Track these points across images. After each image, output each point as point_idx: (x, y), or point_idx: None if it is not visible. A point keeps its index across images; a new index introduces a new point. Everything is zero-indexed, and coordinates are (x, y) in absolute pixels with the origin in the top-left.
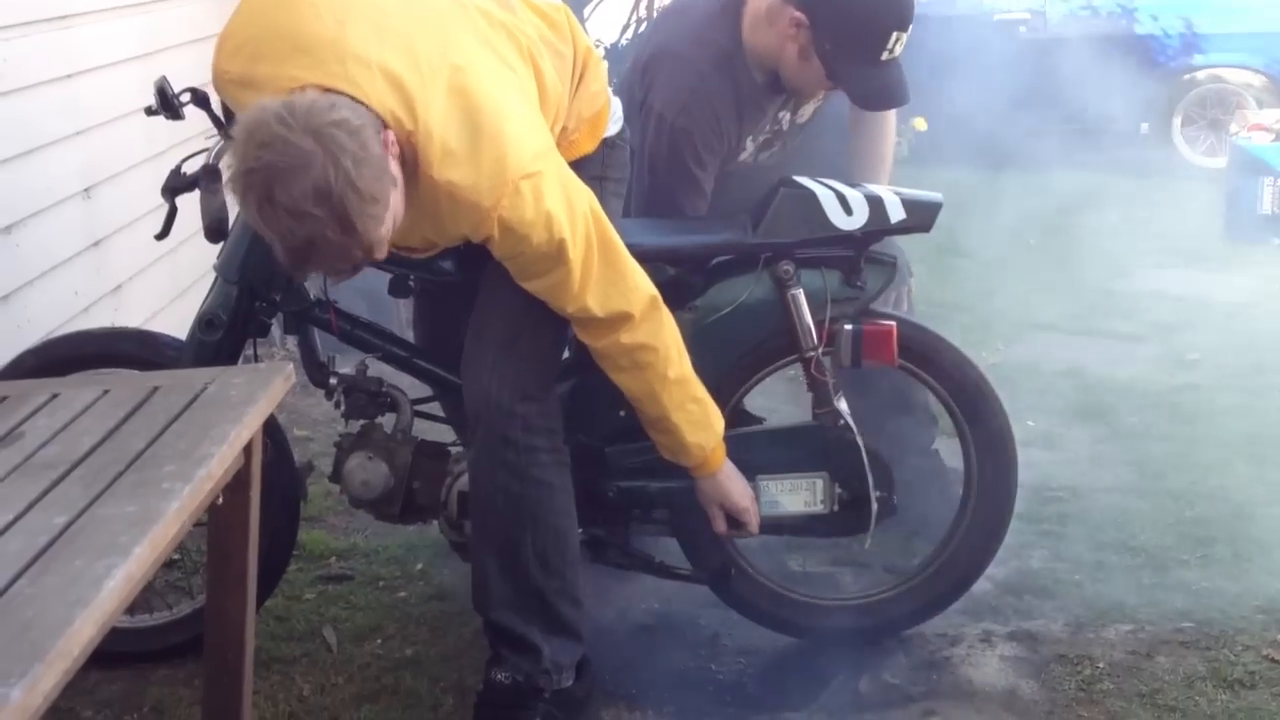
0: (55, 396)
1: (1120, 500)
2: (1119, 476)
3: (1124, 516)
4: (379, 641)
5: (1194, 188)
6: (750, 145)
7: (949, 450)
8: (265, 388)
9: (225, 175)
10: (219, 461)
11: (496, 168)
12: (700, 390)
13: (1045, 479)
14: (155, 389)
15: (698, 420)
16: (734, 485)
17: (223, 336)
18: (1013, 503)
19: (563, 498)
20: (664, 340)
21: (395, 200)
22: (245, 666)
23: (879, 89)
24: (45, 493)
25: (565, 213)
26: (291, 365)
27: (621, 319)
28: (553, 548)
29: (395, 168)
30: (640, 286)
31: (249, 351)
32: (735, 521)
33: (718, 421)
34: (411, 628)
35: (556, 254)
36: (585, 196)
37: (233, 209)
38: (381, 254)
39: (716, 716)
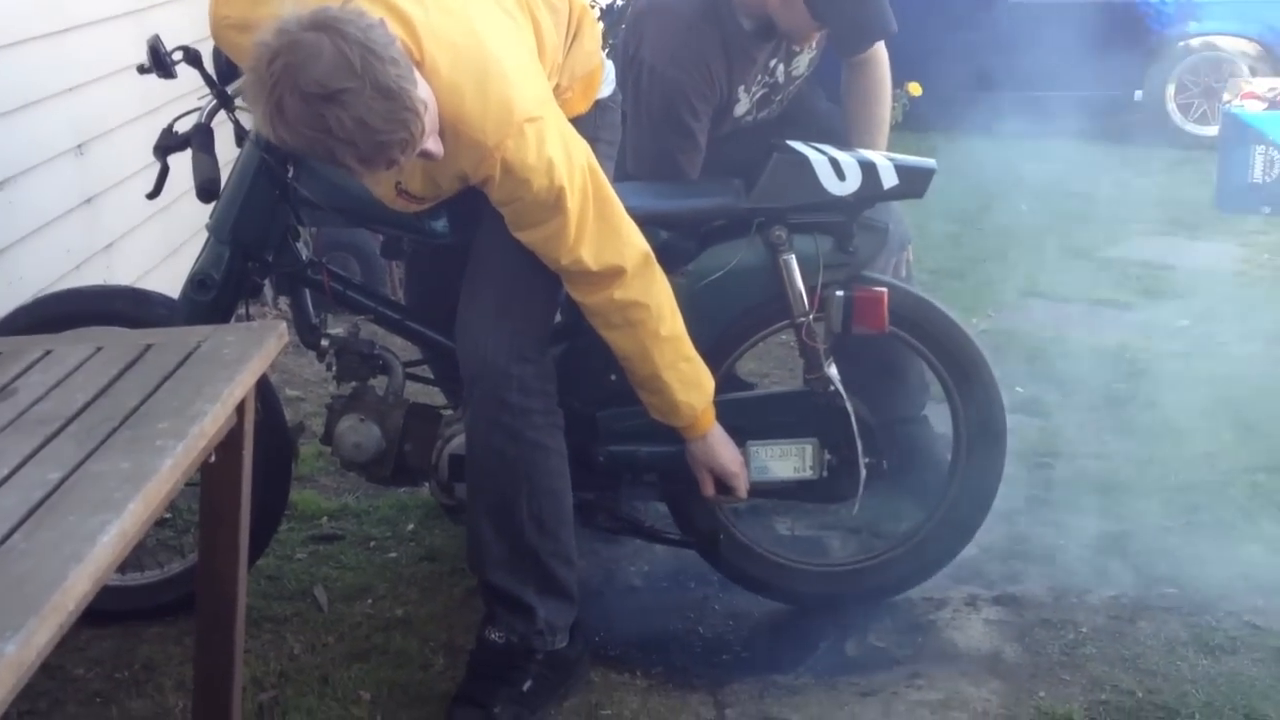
0: (49, 353)
1: (1106, 467)
2: (1105, 443)
3: (1110, 483)
4: (369, 601)
5: (1186, 155)
6: (744, 97)
7: (938, 417)
8: (259, 346)
9: (254, 122)
10: (213, 419)
11: (502, 106)
12: (691, 349)
13: (1032, 445)
14: (148, 346)
15: (688, 379)
16: (723, 449)
17: (215, 296)
18: (1001, 470)
19: (557, 459)
20: (656, 297)
21: (419, 76)
22: (237, 625)
23: (862, 22)
24: (39, 449)
25: (565, 162)
26: (285, 324)
27: (615, 273)
28: (548, 509)
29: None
30: (634, 242)
31: (241, 312)
32: (724, 486)
33: (708, 382)
34: (402, 588)
35: (555, 202)
36: (583, 149)
37: (225, 168)
38: (430, 124)
39: (704, 678)
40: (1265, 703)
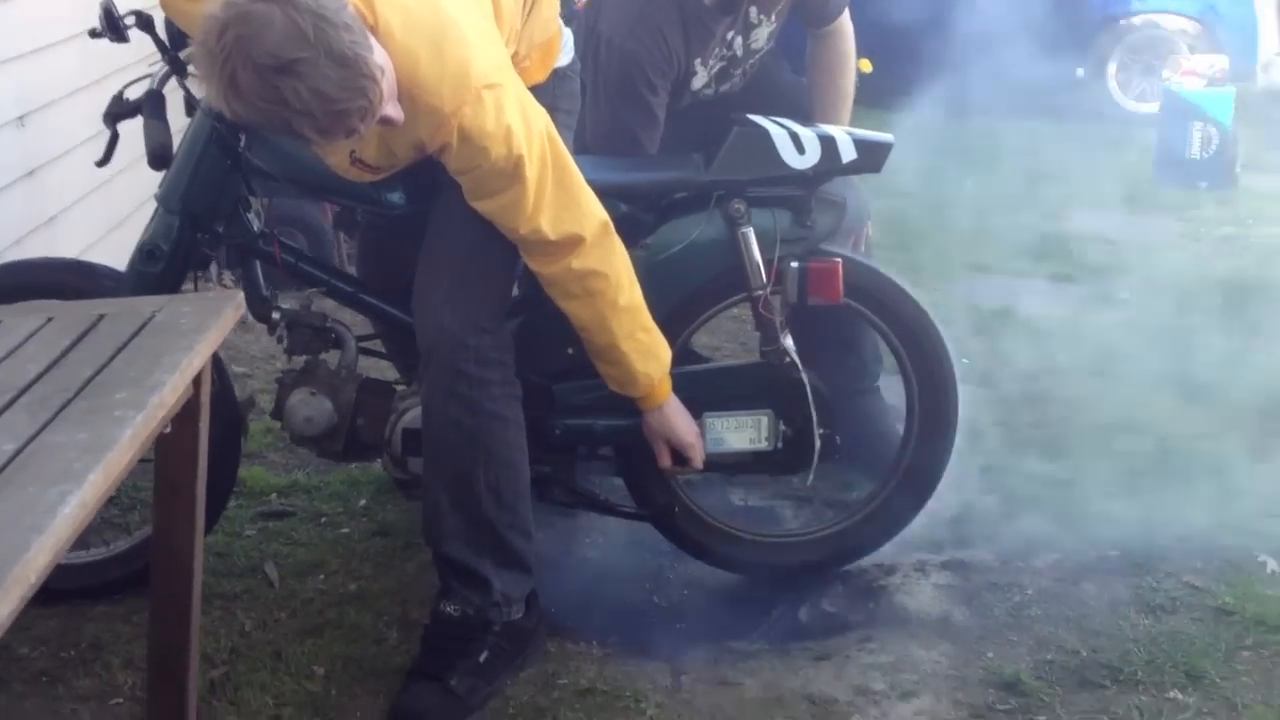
0: None
1: (1050, 434)
2: (1050, 411)
3: (1054, 450)
4: (321, 577)
5: (1127, 132)
6: (701, 70)
7: (888, 388)
8: (216, 316)
9: (205, 96)
10: (171, 389)
11: (459, 71)
12: (649, 320)
13: (979, 414)
14: (101, 317)
15: (646, 349)
16: (680, 420)
17: (164, 268)
18: (953, 439)
19: (515, 431)
20: (615, 267)
21: (374, 41)
22: (194, 600)
23: None
24: None
25: (523, 129)
26: (242, 294)
27: (573, 242)
28: (505, 481)
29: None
30: (593, 211)
31: (189, 285)
32: (680, 457)
33: (665, 352)
34: (354, 563)
35: (513, 171)
36: (541, 117)
37: (176, 136)
38: (388, 90)
39: (661, 647)
40: (1204, 660)
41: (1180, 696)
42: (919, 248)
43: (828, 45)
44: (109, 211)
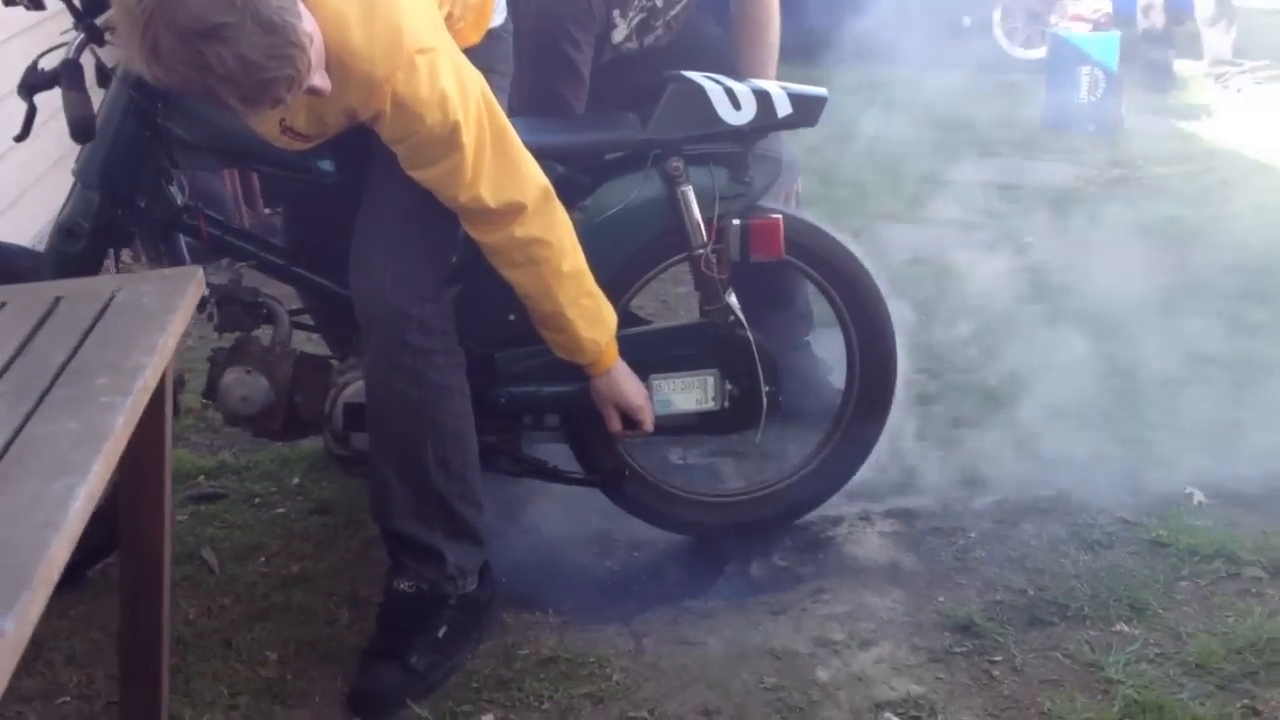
0: None
1: (974, 379)
2: (970, 357)
3: (979, 394)
4: (262, 560)
5: (1015, 79)
6: (621, 22)
7: (817, 343)
8: (181, 295)
9: (126, 60)
10: (153, 372)
11: (391, 36)
12: (593, 285)
13: (903, 366)
14: (59, 299)
15: (592, 315)
16: (628, 383)
17: (85, 247)
18: (894, 389)
19: (460, 400)
20: (558, 234)
21: (303, 8)
22: (164, 589)
23: None
24: None
25: (459, 95)
26: (202, 271)
27: (514, 210)
28: (453, 451)
29: None
30: (533, 177)
31: (110, 262)
32: (630, 421)
33: (611, 317)
34: (295, 543)
35: (450, 138)
36: (477, 80)
37: (97, 105)
38: (317, 59)
39: (616, 610)
40: (1145, 592)
41: (1127, 629)
42: (823, 200)
43: (752, 1)
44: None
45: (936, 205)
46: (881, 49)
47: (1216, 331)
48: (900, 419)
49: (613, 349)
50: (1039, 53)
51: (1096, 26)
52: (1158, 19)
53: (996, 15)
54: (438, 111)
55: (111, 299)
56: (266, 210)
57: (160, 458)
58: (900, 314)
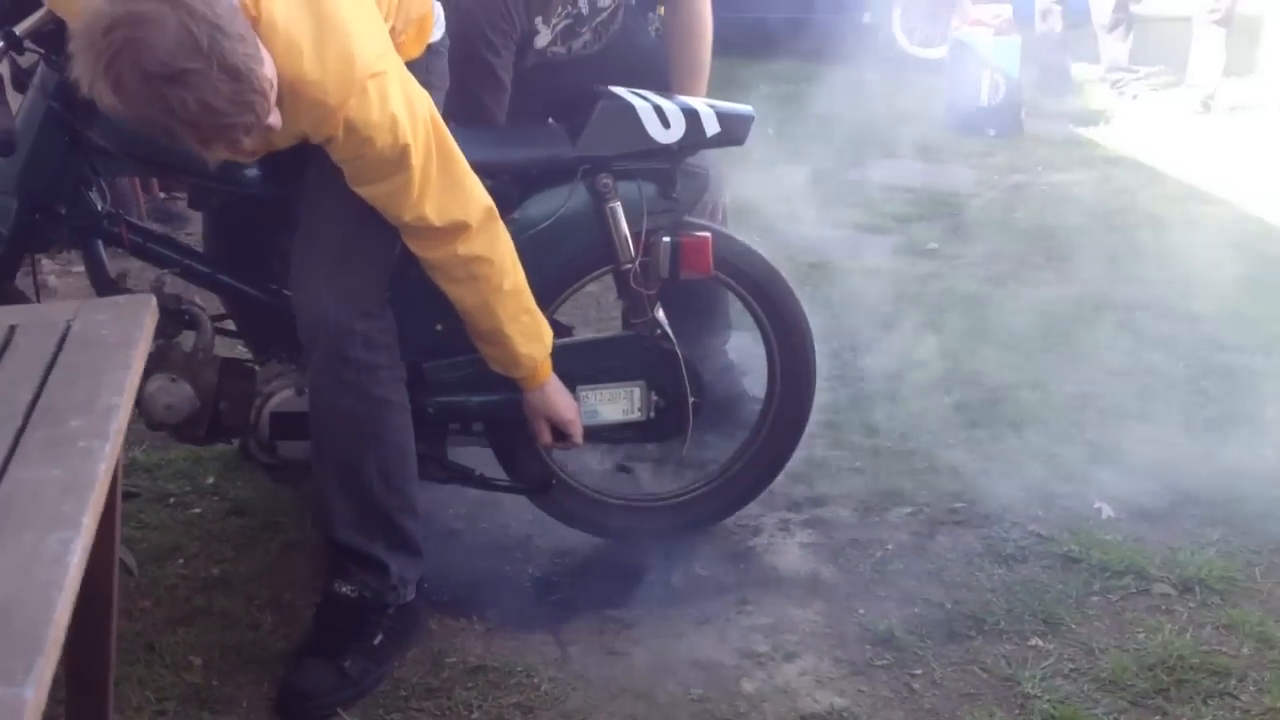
0: None
1: (884, 388)
2: (881, 364)
3: (891, 404)
4: (181, 561)
5: (914, 78)
6: (544, 28)
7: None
8: (139, 326)
9: (85, 88)
10: (124, 413)
11: (343, 64)
12: (532, 302)
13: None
14: (13, 328)
15: (530, 332)
16: (560, 398)
17: (3, 253)
18: (812, 399)
19: (402, 414)
20: (500, 252)
21: (265, 52)
22: (113, 603)
23: None
24: None
25: (408, 117)
26: (154, 298)
27: (459, 229)
28: (395, 464)
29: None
30: (477, 197)
31: (28, 269)
32: (560, 434)
33: (548, 333)
34: (214, 545)
35: (399, 159)
36: (425, 101)
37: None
38: (274, 101)
39: (541, 618)
40: (1059, 607)
41: (1041, 644)
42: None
43: (681, 9)
44: None
45: (843, 207)
46: (782, 43)
47: (1119, 344)
48: (815, 427)
49: (548, 365)
50: (938, 52)
51: (997, 32)
52: (1055, 24)
53: (896, 13)
54: (388, 135)
55: (68, 329)
56: (162, 195)
57: (111, 476)
58: (812, 320)
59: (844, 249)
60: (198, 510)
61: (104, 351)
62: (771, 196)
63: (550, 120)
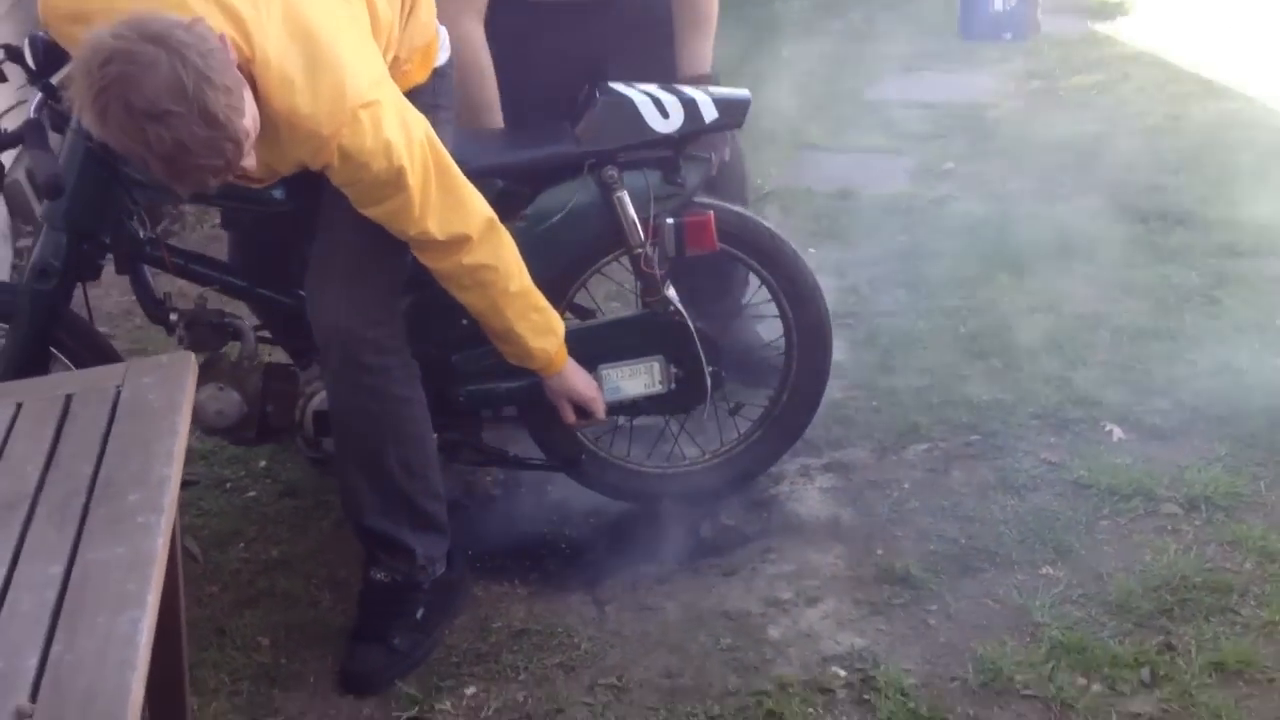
0: None
1: (902, 323)
2: (898, 299)
3: (907, 339)
4: (242, 546)
5: None
6: None
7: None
8: (181, 389)
9: (76, 111)
10: (175, 482)
11: (335, 95)
12: (540, 299)
13: (832, 308)
14: (69, 397)
15: (540, 327)
16: (578, 379)
17: (56, 284)
18: (830, 357)
19: (417, 408)
20: (503, 258)
21: (249, 99)
22: (182, 614)
23: None
24: (22, 538)
25: (403, 140)
26: (193, 356)
27: (461, 241)
28: (413, 454)
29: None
30: (477, 210)
31: (81, 295)
32: (583, 411)
33: (559, 325)
34: (270, 528)
35: (395, 181)
36: (421, 124)
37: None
38: (248, 149)
39: (578, 579)
40: (1069, 534)
41: (1052, 572)
42: (747, 128)
43: None
44: None
45: (860, 130)
46: None
47: (1135, 258)
48: (832, 369)
49: (562, 353)
50: None
51: None
52: None
53: None
54: (383, 159)
55: (118, 395)
56: None
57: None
58: (826, 254)
59: (861, 174)
60: (253, 494)
61: (151, 419)
62: (786, 125)
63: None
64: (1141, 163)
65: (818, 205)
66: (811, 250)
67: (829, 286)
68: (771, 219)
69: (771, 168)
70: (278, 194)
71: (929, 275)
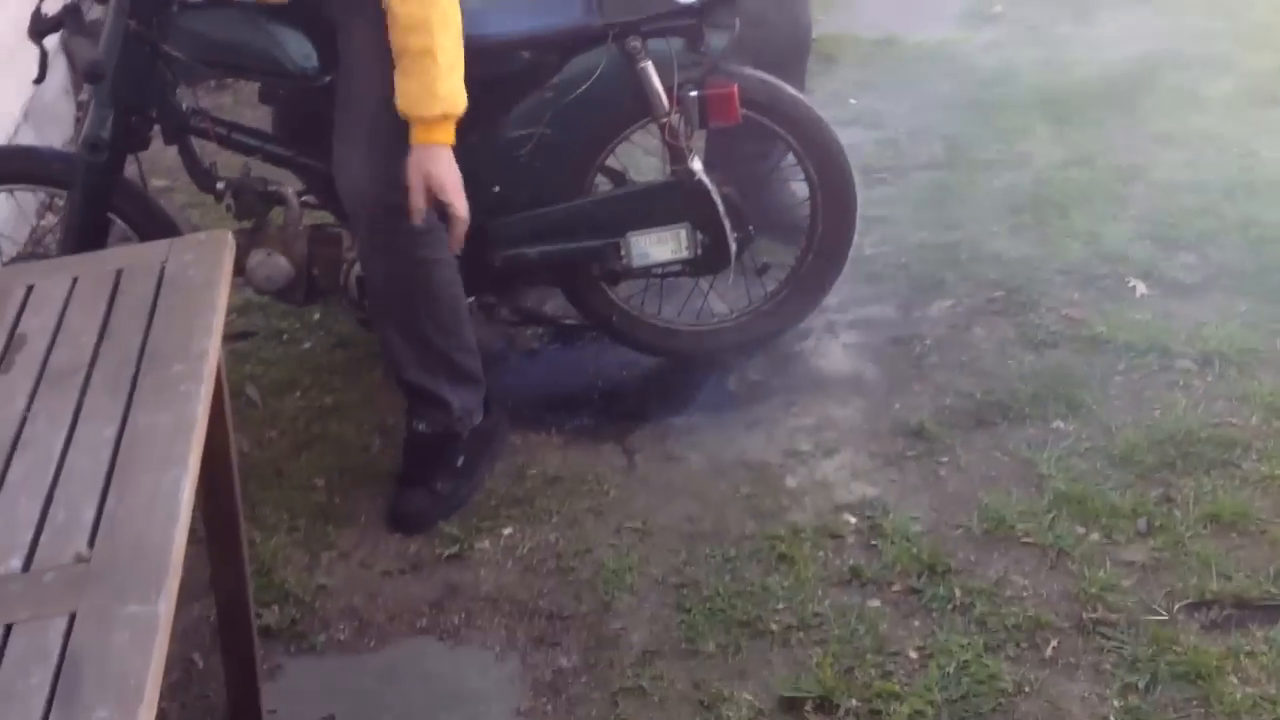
0: (31, 288)
1: (936, 176)
2: (934, 152)
3: (941, 193)
4: (298, 394)
5: None
6: None
7: None
8: (219, 267)
9: None
10: (214, 352)
11: None
12: (461, 61)
13: (868, 161)
14: (119, 272)
15: (453, 73)
16: (447, 167)
17: (108, 156)
18: (854, 221)
19: (446, 269)
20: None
21: None
22: (243, 546)
23: None
24: (79, 403)
25: None
26: (230, 234)
27: None
28: (445, 311)
29: None
30: None
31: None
32: (441, 206)
33: (462, 97)
34: (325, 377)
35: None
36: None
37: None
38: None
39: (610, 429)
40: (1082, 390)
41: (1062, 426)
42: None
43: None
44: None
45: None
46: None
47: (1174, 108)
48: (864, 223)
49: (450, 130)
50: None
51: None
52: None
53: None
54: None
55: (162, 271)
56: None
57: (224, 427)
58: (866, 104)
59: (908, 20)
60: (308, 345)
61: (192, 293)
62: None
63: None
64: (1196, 7)
65: (862, 53)
66: (852, 101)
67: (867, 139)
68: (816, 70)
69: (818, 14)
70: (311, 68)
71: (966, 127)
